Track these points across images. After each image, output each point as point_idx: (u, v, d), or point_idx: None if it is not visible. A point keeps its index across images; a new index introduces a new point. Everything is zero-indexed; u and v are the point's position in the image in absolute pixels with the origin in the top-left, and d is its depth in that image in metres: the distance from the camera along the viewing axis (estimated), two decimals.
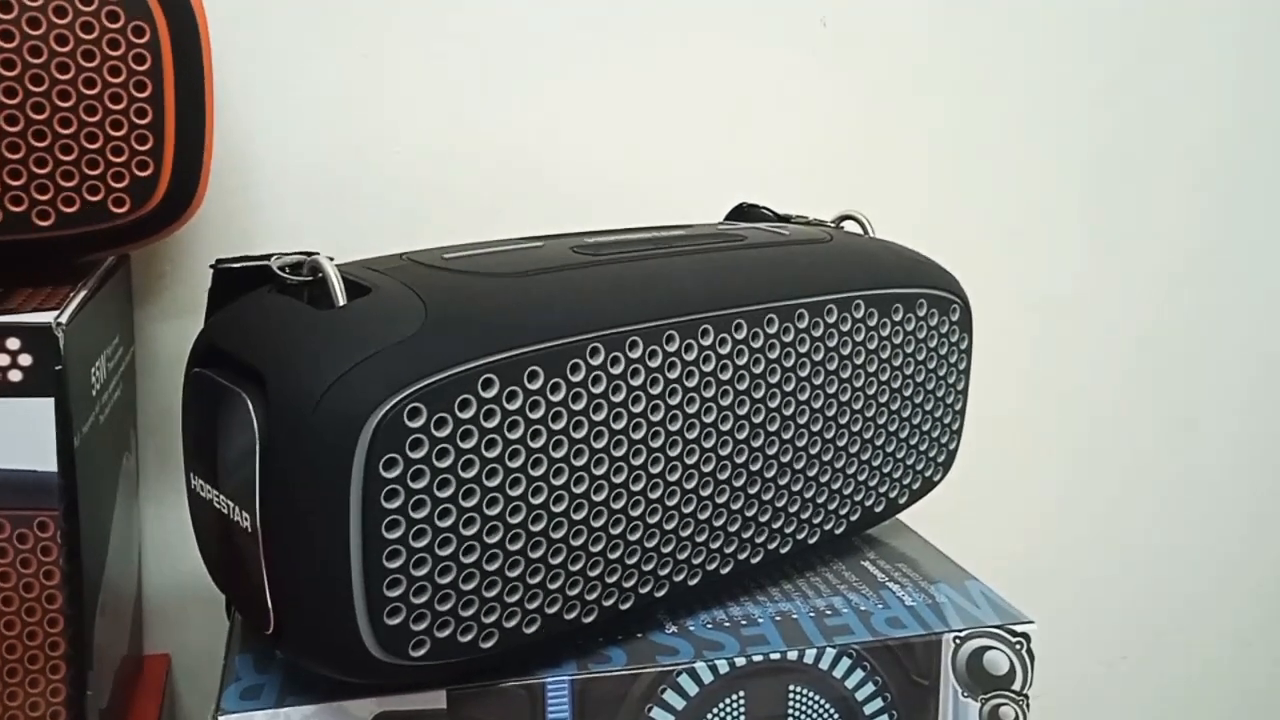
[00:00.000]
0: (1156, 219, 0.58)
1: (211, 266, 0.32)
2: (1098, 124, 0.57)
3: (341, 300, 0.29)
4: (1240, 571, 0.63)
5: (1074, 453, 0.60)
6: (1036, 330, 0.58)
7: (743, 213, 0.44)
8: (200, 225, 0.46)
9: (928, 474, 0.41)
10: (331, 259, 0.30)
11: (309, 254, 0.30)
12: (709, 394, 0.33)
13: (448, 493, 0.28)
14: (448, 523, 0.28)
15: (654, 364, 0.31)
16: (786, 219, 0.42)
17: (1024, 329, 0.57)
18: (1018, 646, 0.36)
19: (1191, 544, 0.62)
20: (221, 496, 0.29)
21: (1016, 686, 0.36)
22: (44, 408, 0.32)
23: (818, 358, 0.35)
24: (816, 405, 0.36)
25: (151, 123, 0.34)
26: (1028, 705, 0.36)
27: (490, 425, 0.28)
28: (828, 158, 0.53)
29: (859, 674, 0.35)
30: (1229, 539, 0.63)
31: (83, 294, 0.35)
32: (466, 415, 0.28)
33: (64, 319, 0.32)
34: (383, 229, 0.47)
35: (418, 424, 0.27)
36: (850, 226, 0.42)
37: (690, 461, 0.33)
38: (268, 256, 0.31)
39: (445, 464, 0.28)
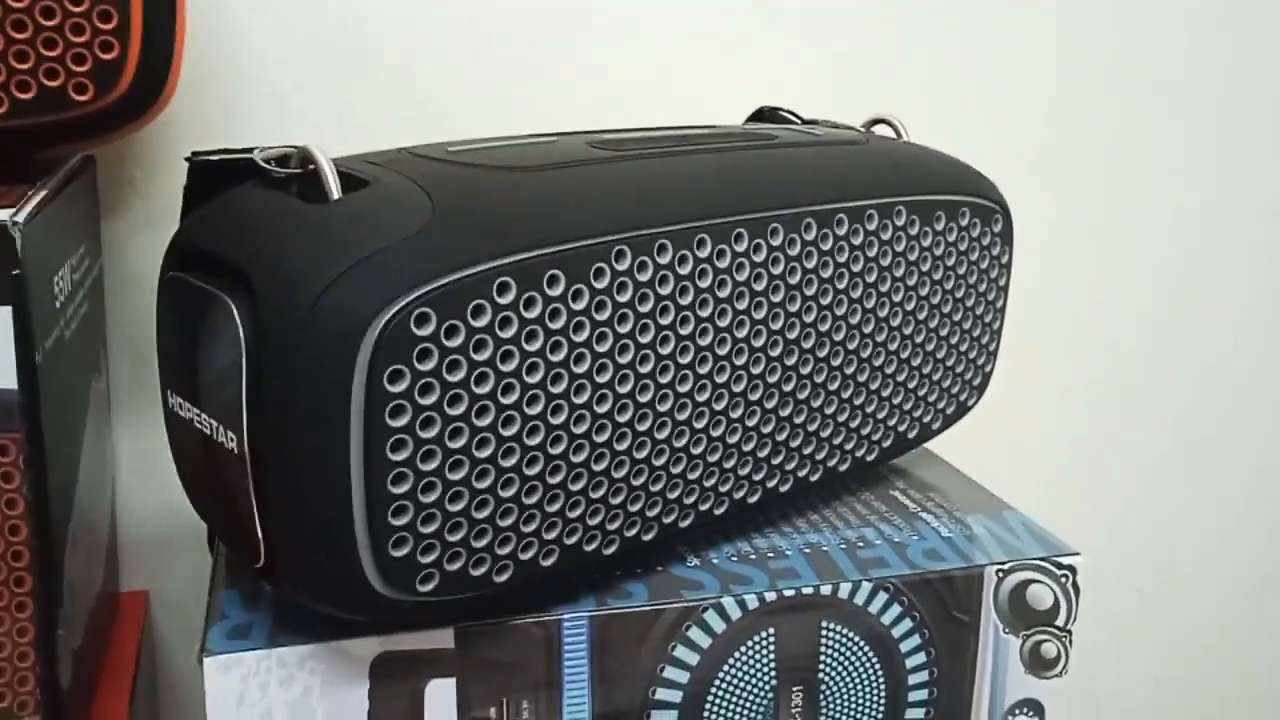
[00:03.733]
0: (1197, 146, 0.55)
1: (187, 159, 0.28)
2: (1143, 42, 0.53)
3: (336, 193, 0.25)
4: (1265, 512, 0.61)
5: (1095, 388, 0.57)
6: (1066, 254, 0.55)
7: (764, 117, 0.41)
8: (173, 126, 0.42)
9: (962, 397, 0.38)
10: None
11: (297, 147, 0.27)
12: (741, 306, 0.30)
13: (459, 410, 0.25)
14: (459, 443, 0.25)
15: (684, 270, 0.28)
16: (813, 123, 0.39)
17: (1054, 252, 0.55)
18: (1063, 580, 0.34)
19: (1216, 483, 0.60)
20: (203, 415, 0.26)
21: (1060, 622, 0.34)
22: (1, 317, 0.28)
23: (856, 268, 0.32)
24: (854, 320, 0.33)
25: None
26: (1070, 641, 0.34)
27: (506, 335, 0.25)
28: (852, 65, 0.50)
29: (895, 609, 0.32)
30: (1251, 479, 0.61)
31: (43, 194, 0.31)
32: (480, 323, 0.25)
33: (21, 218, 0.28)
34: (378, 128, 0.43)
35: (426, 331, 0.24)
36: (882, 131, 0.39)
37: (720, 380, 0.30)
38: (250, 150, 0.28)
39: (457, 377, 0.25)
